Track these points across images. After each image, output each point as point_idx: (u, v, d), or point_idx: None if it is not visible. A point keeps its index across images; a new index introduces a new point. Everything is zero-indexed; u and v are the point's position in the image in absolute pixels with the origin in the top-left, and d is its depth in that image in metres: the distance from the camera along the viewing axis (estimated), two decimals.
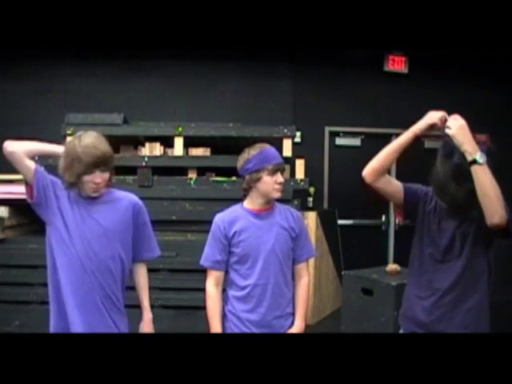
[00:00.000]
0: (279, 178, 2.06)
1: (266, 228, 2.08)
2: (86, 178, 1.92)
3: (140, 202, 2.14)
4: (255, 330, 2.06)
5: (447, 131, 1.77)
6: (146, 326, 2.17)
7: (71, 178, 1.91)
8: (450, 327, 1.85)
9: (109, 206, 2.05)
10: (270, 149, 2.10)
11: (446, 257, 1.88)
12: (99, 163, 1.92)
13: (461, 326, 1.85)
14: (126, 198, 2.12)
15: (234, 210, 2.16)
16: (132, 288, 2.14)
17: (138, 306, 2.17)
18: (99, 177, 1.94)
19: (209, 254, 2.13)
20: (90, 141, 1.93)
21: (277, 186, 2.06)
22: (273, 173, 2.05)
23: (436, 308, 1.88)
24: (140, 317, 2.17)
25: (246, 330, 2.06)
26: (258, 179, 2.06)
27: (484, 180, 1.68)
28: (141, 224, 2.13)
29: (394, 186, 1.97)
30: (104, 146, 1.96)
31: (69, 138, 3.96)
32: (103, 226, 2.00)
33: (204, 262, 2.14)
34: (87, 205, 2.01)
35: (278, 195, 2.09)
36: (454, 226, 1.88)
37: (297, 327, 2.12)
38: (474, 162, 1.69)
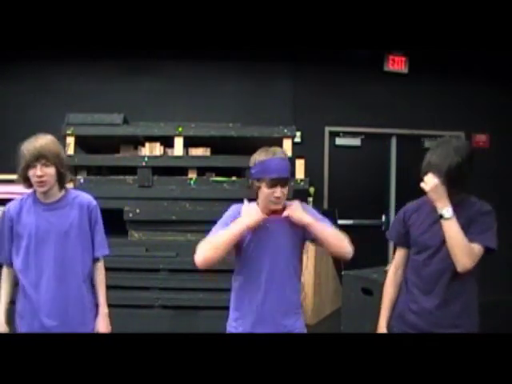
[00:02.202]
0: (277, 191, 1.99)
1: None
2: (30, 172, 1.97)
3: (94, 202, 2.20)
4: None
5: (423, 186, 1.89)
6: (102, 320, 2.19)
7: (20, 175, 1.99)
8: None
9: (64, 209, 2.09)
10: (272, 160, 2.00)
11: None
12: (38, 156, 1.95)
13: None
14: (79, 197, 2.17)
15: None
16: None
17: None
18: (40, 170, 1.96)
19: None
20: (34, 138, 2.00)
21: (273, 199, 2.02)
22: (271, 186, 1.99)
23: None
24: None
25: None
26: (259, 187, 2.06)
27: (450, 234, 1.83)
28: (93, 223, 2.19)
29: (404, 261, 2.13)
30: (45, 140, 1.99)
31: (68, 138, 3.96)
32: (61, 230, 2.05)
33: None
34: (42, 211, 2.06)
35: (275, 207, 2.04)
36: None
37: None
38: (442, 216, 1.84)
